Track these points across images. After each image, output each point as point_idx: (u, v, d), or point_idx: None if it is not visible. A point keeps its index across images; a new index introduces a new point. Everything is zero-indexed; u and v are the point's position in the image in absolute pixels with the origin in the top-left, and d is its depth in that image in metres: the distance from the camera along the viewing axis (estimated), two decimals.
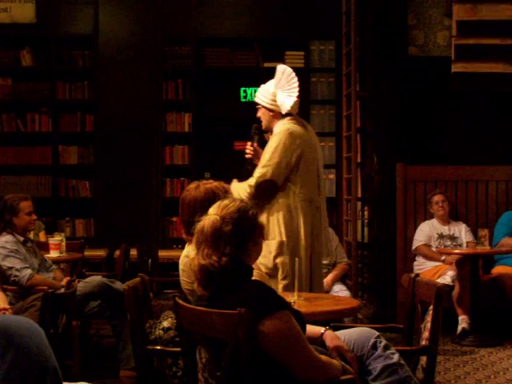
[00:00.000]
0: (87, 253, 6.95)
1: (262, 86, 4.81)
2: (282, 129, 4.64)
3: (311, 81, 8.23)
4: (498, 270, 7.14)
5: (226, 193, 3.60)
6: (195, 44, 8.21)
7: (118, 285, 5.27)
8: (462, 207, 7.67)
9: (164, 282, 6.65)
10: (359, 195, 7.46)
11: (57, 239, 6.24)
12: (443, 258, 7.02)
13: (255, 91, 8.22)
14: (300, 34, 8.21)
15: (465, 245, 7.19)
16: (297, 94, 4.63)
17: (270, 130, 4.80)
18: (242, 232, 2.73)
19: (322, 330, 3.00)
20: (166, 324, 3.35)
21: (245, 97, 8.31)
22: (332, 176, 8.15)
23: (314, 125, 8.19)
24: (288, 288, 4.39)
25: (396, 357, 3.03)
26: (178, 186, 8.22)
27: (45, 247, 6.11)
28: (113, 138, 8.20)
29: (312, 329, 2.96)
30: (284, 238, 4.58)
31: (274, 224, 4.60)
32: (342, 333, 3.08)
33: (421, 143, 7.50)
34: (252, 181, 4.59)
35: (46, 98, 8.31)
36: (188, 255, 3.48)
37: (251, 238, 2.77)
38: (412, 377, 3.05)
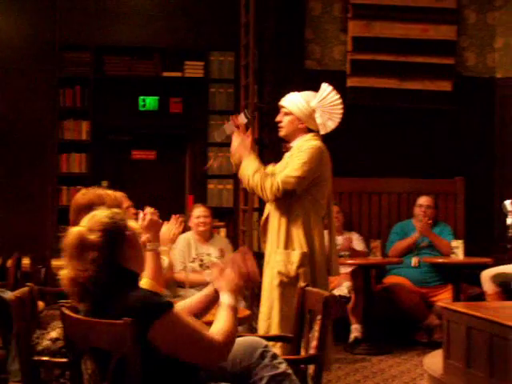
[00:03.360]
0: None
1: (296, 94, 4.79)
2: (311, 144, 4.66)
3: (210, 91, 8.26)
4: (389, 279, 7.34)
5: (116, 201, 3.57)
6: (94, 51, 8.11)
7: (8, 295, 5.14)
8: (356, 219, 7.86)
9: (57, 291, 6.53)
10: (256, 205, 7.52)
11: None
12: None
13: (154, 100, 8.34)
14: (200, 45, 8.22)
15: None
16: (339, 120, 4.72)
17: (287, 139, 4.82)
18: (112, 239, 2.71)
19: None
20: (54, 334, 3.30)
21: (144, 106, 8.27)
22: (230, 186, 8.20)
23: (212, 135, 8.26)
24: None
25: (283, 366, 3.07)
26: (75, 195, 8.08)
27: None
28: (6, 145, 8.02)
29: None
30: (306, 250, 4.60)
31: (295, 235, 4.62)
32: None
33: None
34: (279, 185, 4.54)
35: None
36: None
37: (123, 243, 2.74)
38: None
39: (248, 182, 4.66)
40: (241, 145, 4.75)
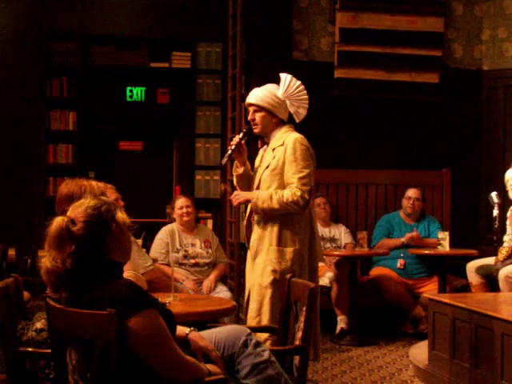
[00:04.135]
0: None
1: (260, 89, 4.78)
2: (295, 137, 4.66)
3: (197, 82, 8.25)
4: (375, 271, 7.36)
5: (99, 192, 3.57)
6: (81, 41, 8.07)
7: None
8: (343, 210, 7.87)
9: (43, 282, 6.52)
10: None
11: None
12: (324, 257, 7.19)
13: (141, 91, 8.32)
14: (187, 35, 8.19)
15: (343, 245, 7.39)
16: (307, 106, 4.75)
17: (264, 135, 4.82)
18: (94, 231, 2.70)
19: (186, 330, 3.02)
20: (39, 325, 3.30)
21: (131, 96, 8.25)
22: (217, 177, 8.19)
23: (199, 126, 8.26)
24: None
25: (266, 354, 3.07)
26: None
27: None
28: None
29: (178, 329, 2.97)
30: (298, 246, 4.64)
31: (288, 232, 4.64)
32: (213, 331, 3.11)
33: None
34: (299, 192, 4.56)
35: None
36: None
37: (108, 234, 2.74)
38: (282, 373, 3.10)
39: (274, 210, 4.62)
40: (239, 196, 4.82)
